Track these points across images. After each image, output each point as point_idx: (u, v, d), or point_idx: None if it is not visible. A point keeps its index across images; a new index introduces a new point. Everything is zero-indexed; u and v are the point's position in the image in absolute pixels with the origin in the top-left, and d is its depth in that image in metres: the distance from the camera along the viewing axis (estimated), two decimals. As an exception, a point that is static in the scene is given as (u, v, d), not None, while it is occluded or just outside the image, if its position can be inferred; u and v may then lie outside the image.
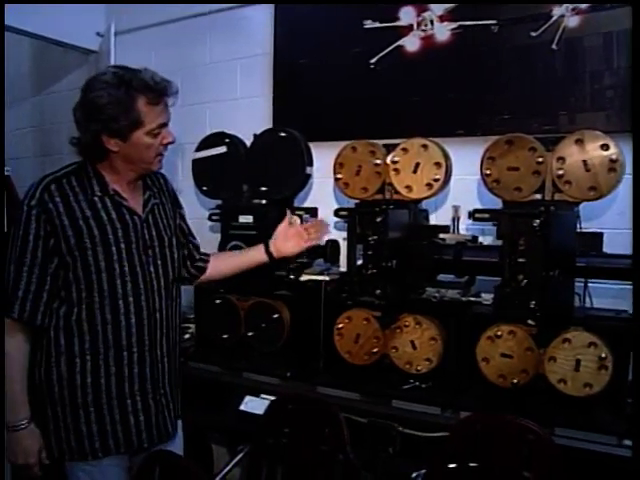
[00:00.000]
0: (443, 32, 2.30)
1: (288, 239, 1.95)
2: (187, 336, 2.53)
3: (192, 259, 1.89)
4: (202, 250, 1.94)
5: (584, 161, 1.76)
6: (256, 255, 1.96)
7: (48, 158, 3.70)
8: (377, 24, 2.43)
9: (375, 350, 2.03)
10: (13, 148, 3.60)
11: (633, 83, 1.46)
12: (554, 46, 2.09)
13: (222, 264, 1.96)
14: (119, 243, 1.59)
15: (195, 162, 2.44)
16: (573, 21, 2.07)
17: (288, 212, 2.01)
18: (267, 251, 1.94)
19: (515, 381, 1.81)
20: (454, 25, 2.28)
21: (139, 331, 1.61)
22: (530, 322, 1.82)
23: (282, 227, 1.97)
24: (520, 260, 1.82)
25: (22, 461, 1.57)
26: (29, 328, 1.58)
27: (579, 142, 1.76)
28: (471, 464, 1.62)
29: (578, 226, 1.86)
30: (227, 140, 2.37)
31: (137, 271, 1.61)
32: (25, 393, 1.58)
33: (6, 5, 2.76)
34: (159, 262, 1.68)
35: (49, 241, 1.54)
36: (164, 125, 1.61)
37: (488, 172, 1.87)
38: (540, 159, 1.79)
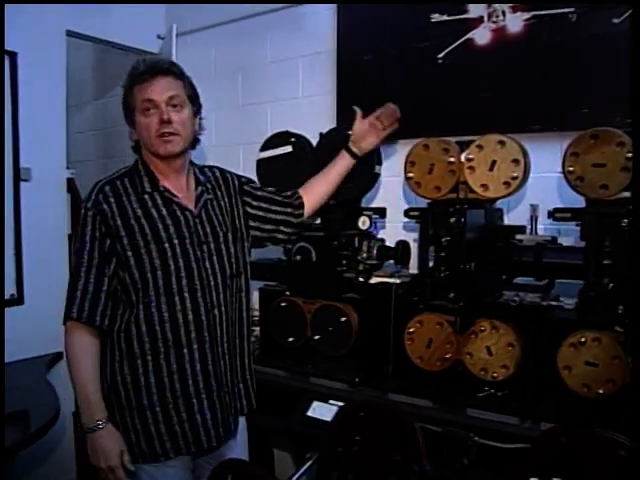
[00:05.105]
0: (516, 23, 2.19)
1: (366, 135, 2.01)
2: (252, 339, 2.50)
3: (292, 215, 1.92)
4: (288, 193, 1.95)
5: (679, 156, 1.64)
6: (343, 163, 2.00)
7: (110, 160, 3.76)
8: (445, 17, 2.33)
9: (448, 356, 1.95)
10: (76, 151, 3.68)
11: (633, 82, 1.37)
12: (640, 33, 1.96)
13: (316, 191, 1.97)
14: (172, 239, 1.59)
15: (260, 162, 2.41)
16: (662, 5, 1.93)
17: (356, 108, 2.05)
18: (351, 154, 2.00)
19: (601, 391, 1.70)
20: (527, 15, 2.16)
21: (198, 328, 1.60)
22: (618, 328, 1.71)
23: (357, 126, 2.03)
24: (606, 262, 1.72)
25: (104, 464, 1.55)
26: (94, 330, 1.58)
27: (673, 135, 1.64)
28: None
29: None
30: (292, 139, 2.33)
31: (192, 267, 1.60)
32: (99, 393, 1.57)
33: (67, 11, 2.82)
34: (215, 258, 1.66)
35: (105, 242, 1.56)
36: (149, 101, 1.58)
37: (571, 169, 1.76)
38: (629, 154, 1.67)
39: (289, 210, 1.90)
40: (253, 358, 1.83)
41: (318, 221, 2.19)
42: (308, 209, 1.94)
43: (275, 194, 1.91)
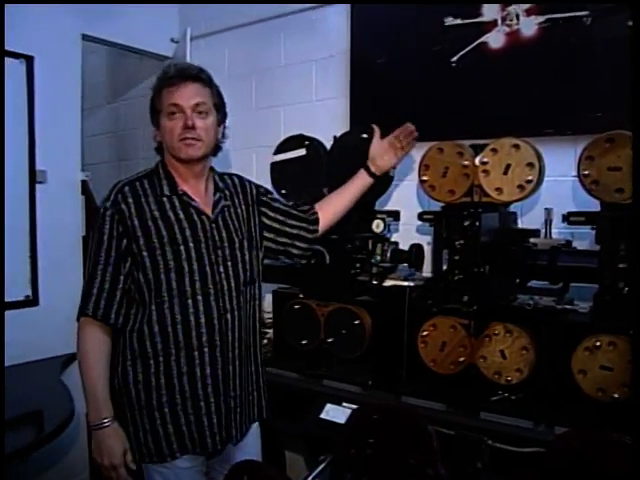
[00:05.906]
0: (530, 26, 2.18)
1: (384, 154, 1.98)
2: (265, 341, 2.51)
3: (307, 231, 1.91)
4: (305, 208, 1.95)
5: (695, 160, 1.63)
6: (360, 182, 1.99)
7: (124, 163, 3.80)
8: (458, 21, 2.34)
9: (462, 359, 1.95)
10: (90, 154, 3.70)
11: (633, 83, 1.37)
12: (655, 36, 1.96)
13: (332, 208, 1.97)
14: (187, 242, 1.60)
15: (274, 165, 2.42)
16: (677, 7, 1.92)
17: (375, 127, 2.04)
18: (369, 173, 1.98)
19: (616, 396, 1.69)
20: (542, 19, 2.16)
21: (209, 331, 1.61)
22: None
23: (375, 145, 2.00)
24: (621, 266, 1.71)
25: (107, 462, 1.58)
26: (107, 328, 1.60)
27: (689, 139, 1.63)
28: (570, 484, 1.52)
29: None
30: (307, 142, 2.33)
31: (206, 271, 1.61)
32: (107, 391, 1.59)
33: (82, 15, 2.84)
34: (229, 263, 1.66)
35: (122, 242, 1.58)
36: (175, 106, 1.61)
37: (586, 172, 1.76)
38: (646, 158, 1.67)
39: (304, 225, 1.90)
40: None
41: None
42: (323, 225, 1.94)
43: (292, 208, 1.91)
